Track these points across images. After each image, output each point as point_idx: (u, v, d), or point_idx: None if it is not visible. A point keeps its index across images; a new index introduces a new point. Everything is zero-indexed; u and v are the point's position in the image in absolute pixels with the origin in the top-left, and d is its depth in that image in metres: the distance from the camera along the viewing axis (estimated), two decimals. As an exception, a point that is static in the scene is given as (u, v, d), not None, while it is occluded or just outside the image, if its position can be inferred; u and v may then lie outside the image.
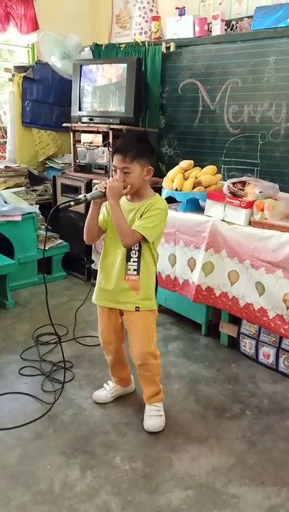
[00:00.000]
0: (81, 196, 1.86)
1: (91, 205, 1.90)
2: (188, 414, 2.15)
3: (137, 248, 1.92)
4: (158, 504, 1.65)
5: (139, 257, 1.92)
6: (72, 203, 1.84)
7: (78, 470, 1.79)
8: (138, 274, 1.93)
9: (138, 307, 1.95)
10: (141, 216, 1.89)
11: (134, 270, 1.93)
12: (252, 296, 2.45)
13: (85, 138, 3.64)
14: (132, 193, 1.91)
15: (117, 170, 1.86)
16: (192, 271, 2.73)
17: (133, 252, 1.92)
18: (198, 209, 2.84)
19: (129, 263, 1.93)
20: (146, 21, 3.64)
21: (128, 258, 1.93)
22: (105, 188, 1.83)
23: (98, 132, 3.52)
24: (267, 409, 2.20)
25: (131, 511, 1.62)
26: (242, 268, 2.49)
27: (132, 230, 1.85)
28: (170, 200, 2.71)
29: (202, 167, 2.93)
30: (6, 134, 4.23)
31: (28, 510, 1.61)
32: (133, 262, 1.93)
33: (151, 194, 1.95)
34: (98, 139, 3.53)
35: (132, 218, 1.90)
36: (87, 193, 2.04)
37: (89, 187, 3.53)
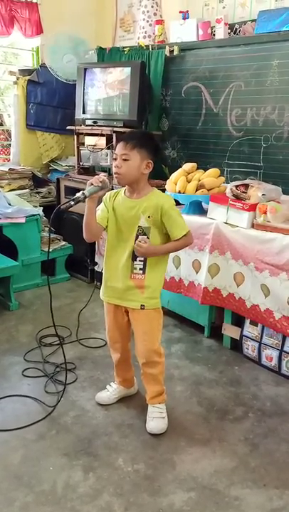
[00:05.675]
0: (79, 194, 1.83)
1: (87, 202, 1.88)
2: (191, 416, 2.15)
3: None
4: (160, 506, 1.65)
5: (145, 257, 1.93)
6: (72, 203, 1.81)
7: (81, 471, 1.80)
8: (144, 273, 1.94)
9: (143, 305, 1.96)
10: (142, 213, 1.88)
11: (140, 269, 1.93)
12: (258, 297, 2.46)
13: (89, 140, 3.66)
14: (130, 183, 1.90)
15: (117, 157, 1.86)
16: (197, 272, 2.74)
17: None
18: (202, 211, 2.85)
19: (135, 262, 1.93)
20: (150, 25, 3.67)
21: (134, 257, 1.93)
22: (101, 181, 1.83)
23: (102, 135, 3.54)
24: (269, 412, 2.20)
25: (133, 512, 1.62)
26: (247, 270, 2.50)
27: (182, 240, 1.91)
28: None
29: (205, 170, 2.94)
30: (11, 137, 4.26)
31: (31, 510, 1.62)
32: (139, 261, 1.93)
33: (150, 189, 1.95)
34: (102, 141, 3.55)
35: (133, 215, 1.90)
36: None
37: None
